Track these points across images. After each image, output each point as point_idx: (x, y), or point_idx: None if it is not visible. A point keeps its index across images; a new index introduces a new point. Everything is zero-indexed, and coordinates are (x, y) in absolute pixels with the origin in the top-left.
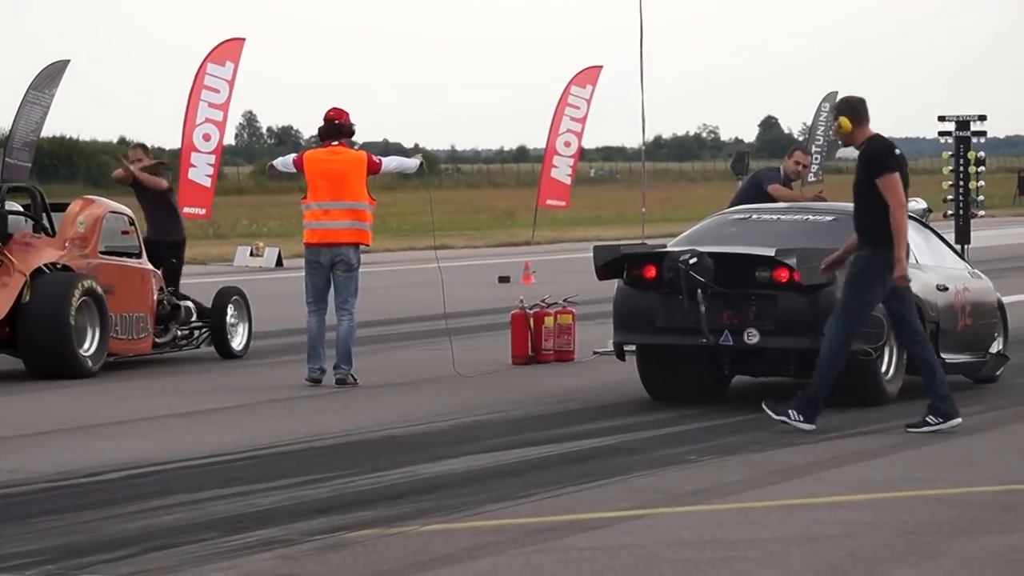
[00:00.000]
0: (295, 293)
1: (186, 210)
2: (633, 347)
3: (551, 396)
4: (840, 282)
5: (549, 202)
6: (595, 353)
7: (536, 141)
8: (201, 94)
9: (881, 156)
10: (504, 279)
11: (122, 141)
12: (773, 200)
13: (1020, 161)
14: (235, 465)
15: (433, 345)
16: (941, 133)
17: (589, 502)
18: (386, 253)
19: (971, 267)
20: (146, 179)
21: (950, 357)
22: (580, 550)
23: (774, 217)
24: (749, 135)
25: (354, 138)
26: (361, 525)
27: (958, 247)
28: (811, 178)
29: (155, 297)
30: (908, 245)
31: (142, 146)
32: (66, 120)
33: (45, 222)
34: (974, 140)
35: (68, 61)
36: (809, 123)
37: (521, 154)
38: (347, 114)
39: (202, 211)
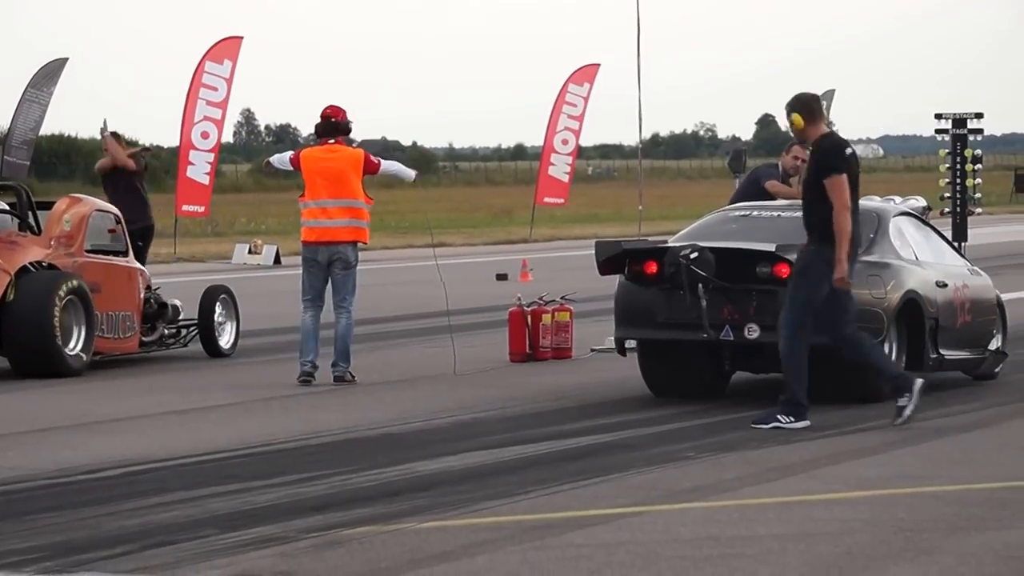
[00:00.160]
0: (293, 291)
1: (184, 208)
2: (634, 343)
3: (549, 393)
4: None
5: (547, 200)
6: (593, 350)
7: (534, 139)
8: (199, 92)
9: (831, 156)
10: (502, 277)
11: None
12: (772, 197)
13: (1017, 159)
14: (233, 462)
15: (431, 343)
16: (938, 131)
17: (587, 499)
18: (384, 251)
19: (970, 264)
20: (116, 151)
21: (949, 354)
22: (577, 547)
23: (774, 214)
24: (746, 133)
25: (353, 136)
26: (358, 522)
27: (956, 244)
28: None
29: (142, 296)
30: (856, 248)
31: (115, 134)
32: (65, 118)
33: (31, 220)
34: (971, 138)
35: (67, 59)
36: None
37: (519, 152)
38: (343, 111)
39: (201, 209)
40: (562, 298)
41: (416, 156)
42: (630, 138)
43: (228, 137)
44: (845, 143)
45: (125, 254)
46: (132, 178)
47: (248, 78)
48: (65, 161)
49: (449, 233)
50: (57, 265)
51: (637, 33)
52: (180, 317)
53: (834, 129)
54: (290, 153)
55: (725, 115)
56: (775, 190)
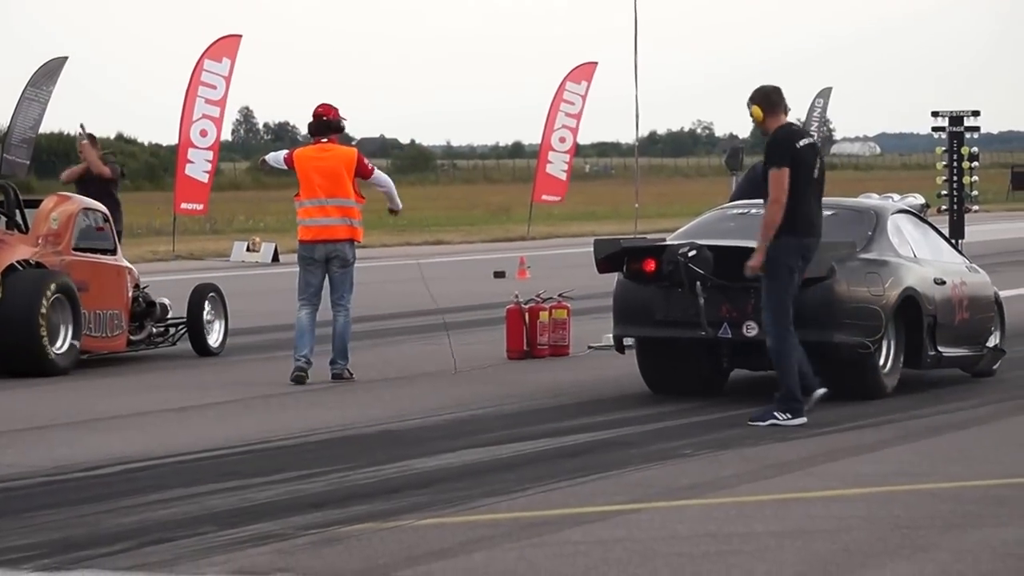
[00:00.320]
0: (291, 288)
1: (183, 206)
2: (632, 340)
3: (546, 391)
4: (839, 275)
5: (544, 197)
6: (590, 348)
7: (532, 137)
8: (198, 90)
9: (774, 148)
10: (499, 274)
11: (120, 137)
12: None
13: (1013, 156)
14: (231, 459)
15: (429, 340)
16: (935, 128)
17: (584, 496)
18: (382, 248)
19: (968, 261)
20: (94, 160)
21: (947, 351)
22: (575, 544)
23: None
24: (744, 131)
25: (352, 134)
26: (356, 519)
27: (953, 242)
28: None
29: (130, 294)
30: (813, 239)
31: (91, 136)
32: (64, 117)
33: (18, 219)
34: (967, 135)
35: (66, 58)
36: (803, 119)
37: (517, 150)
38: (336, 110)
39: (199, 207)
40: (559, 295)
41: (414, 154)
42: (627, 136)
43: (227, 135)
44: (799, 136)
45: (113, 252)
46: (107, 185)
47: (247, 76)
48: (64, 159)
49: (447, 231)
50: (44, 264)
51: (634, 31)
52: (168, 316)
53: (831, 127)
54: (285, 152)
55: (722, 113)
56: None
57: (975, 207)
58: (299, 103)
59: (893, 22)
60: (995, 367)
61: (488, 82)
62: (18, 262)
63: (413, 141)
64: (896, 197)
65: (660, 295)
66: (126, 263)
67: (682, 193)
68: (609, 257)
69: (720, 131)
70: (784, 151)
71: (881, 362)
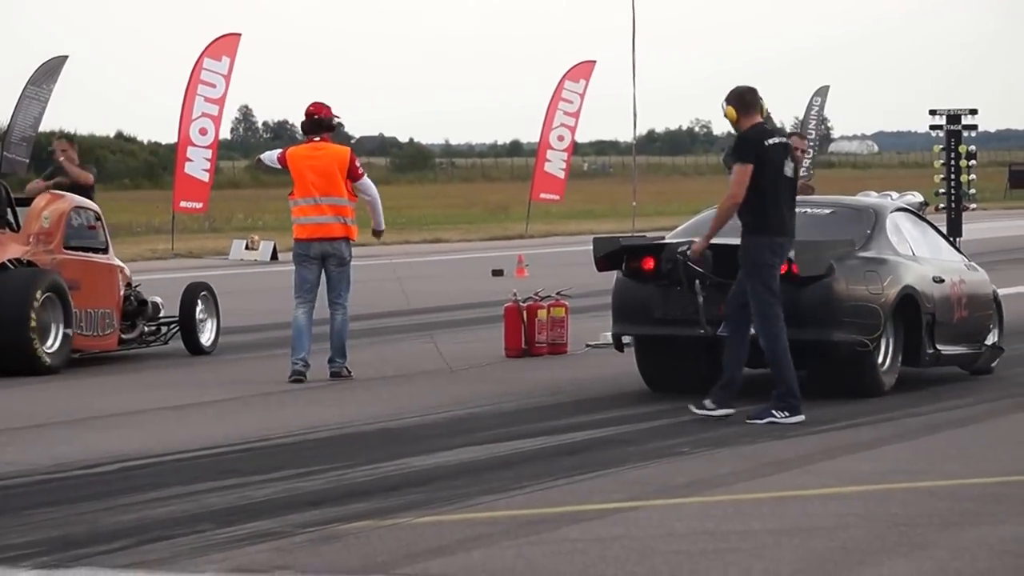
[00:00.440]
0: (290, 286)
1: (182, 204)
2: (631, 338)
3: (544, 389)
4: (838, 273)
5: (543, 196)
6: (588, 346)
7: (530, 135)
8: (197, 89)
9: (741, 144)
10: (498, 272)
11: (119, 135)
12: None
13: (1011, 155)
14: (230, 457)
15: (427, 338)
16: (932, 127)
17: (582, 494)
18: (381, 246)
19: (967, 259)
20: (76, 172)
21: (946, 349)
22: (573, 541)
23: None
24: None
25: (351, 133)
26: (355, 517)
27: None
28: (803, 172)
29: (122, 293)
30: (784, 237)
31: (67, 137)
32: (64, 115)
33: (10, 217)
34: (965, 134)
35: (66, 57)
36: (801, 117)
37: (515, 148)
38: (328, 108)
39: (199, 205)
40: (558, 294)
41: (413, 152)
42: (625, 134)
43: (226, 134)
44: (769, 134)
45: (105, 251)
46: (87, 191)
47: (246, 75)
48: None
49: (445, 229)
50: (35, 262)
51: (632, 30)
52: (161, 314)
53: (829, 126)
54: (279, 151)
55: (720, 112)
56: None
57: (973, 205)
58: (298, 102)
59: (890, 20)
60: (993, 365)
61: (486, 81)
62: (9, 261)
63: (412, 139)
64: (895, 195)
65: (659, 293)
66: (118, 262)
67: (680, 191)
68: (608, 255)
69: (718, 129)
70: (751, 148)
71: (880, 360)
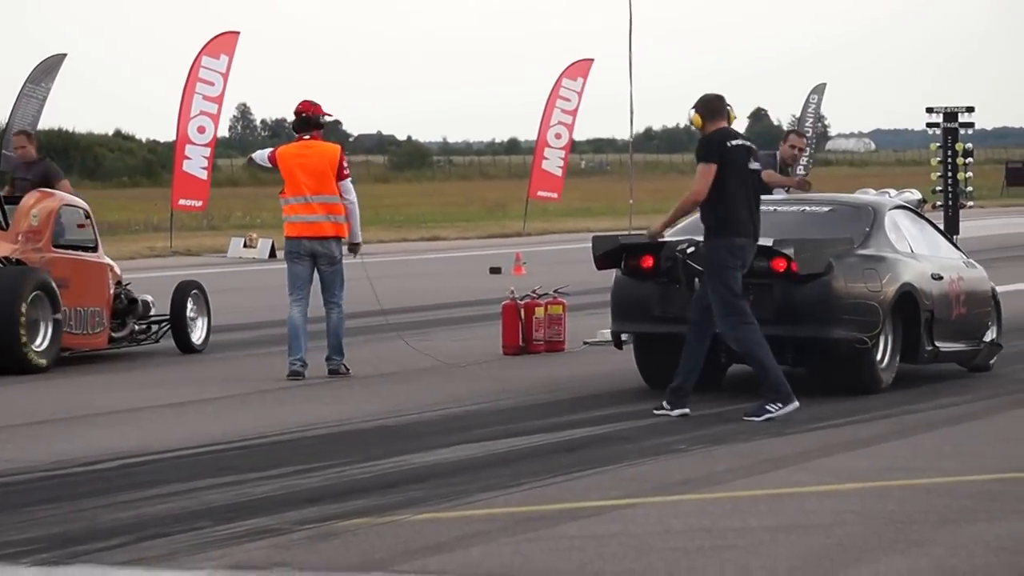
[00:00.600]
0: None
1: (181, 202)
2: (630, 336)
3: (541, 386)
4: (837, 271)
5: (540, 194)
6: (585, 343)
7: (527, 133)
8: (196, 87)
9: (704, 145)
10: (495, 270)
11: (117, 134)
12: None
13: (1008, 152)
14: (228, 455)
15: (424, 336)
16: (929, 125)
17: (579, 491)
18: (379, 244)
19: (965, 257)
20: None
21: (944, 346)
22: (570, 539)
23: (771, 208)
24: (739, 127)
25: (349, 131)
26: (353, 514)
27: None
28: (800, 169)
29: (111, 291)
30: (747, 238)
31: (26, 132)
32: (62, 113)
33: None
34: (962, 131)
35: (64, 55)
36: (798, 114)
37: (512, 146)
38: (318, 106)
39: (198, 203)
40: (555, 291)
41: (411, 150)
42: (623, 132)
43: (224, 132)
44: (732, 136)
45: (94, 249)
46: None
47: (244, 73)
48: (63, 155)
49: (443, 227)
50: (24, 260)
51: (629, 28)
52: (152, 313)
53: (826, 124)
54: (269, 150)
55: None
56: (770, 180)
57: (970, 203)
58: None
59: (887, 18)
60: (992, 362)
61: (484, 79)
62: None
63: (410, 137)
64: (893, 193)
65: (658, 291)
66: (107, 260)
67: (677, 189)
68: (607, 254)
69: None
70: (714, 148)
71: (878, 357)
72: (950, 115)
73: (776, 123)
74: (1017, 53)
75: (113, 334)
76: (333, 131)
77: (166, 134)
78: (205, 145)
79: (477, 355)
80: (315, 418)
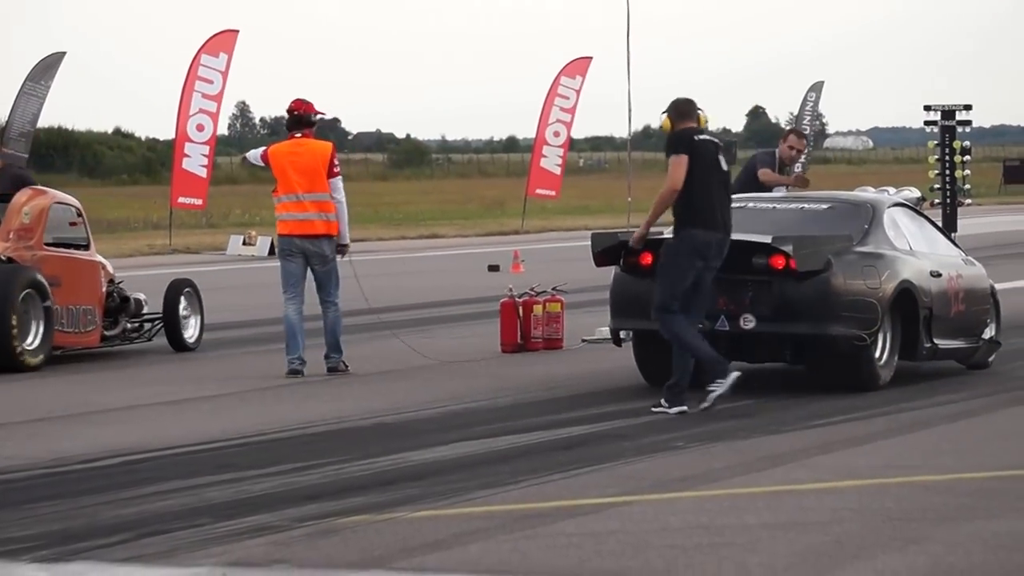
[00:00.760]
0: None
1: (180, 200)
2: (628, 333)
3: (540, 384)
4: (836, 268)
5: (538, 191)
6: (584, 341)
7: (526, 131)
8: (195, 85)
9: (673, 139)
10: (494, 268)
11: (117, 131)
12: (766, 184)
13: (1006, 150)
14: (227, 452)
15: (423, 333)
16: (927, 122)
17: (577, 488)
18: (379, 242)
19: (964, 254)
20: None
21: (943, 343)
22: (568, 536)
23: (770, 205)
24: (737, 125)
25: (348, 128)
26: (352, 511)
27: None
28: (797, 167)
29: (104, 290)
30: (718, 232)
31: None
32: (62, 111)
33: None
34: (960, 129)
35: (64, 53)
36: (796, 112)
37: (511, 144)
38: (309, 104)
39: (198, 201)
40: (553, 289)
41: (410, 148)
42: (621, 130)
43: (223, 130)
44: (699, 132)
45: (87, 247)
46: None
47: (243, 71)
48: (63, 153)
49: (441, 225)
50: (15, 259)
51: (627, 25)
52: (144, 311)
53: (824, 121)
54: (262, 149)
55: (715, 107)
56: (767, 179)
57: (968, 201)
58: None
59: (885, 16)
60: (990, 359)
61: (483, 77)
62: None
63: (408, 135)
64: (892, 191)
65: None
66: (99, 258)
67: None
68: (606, 251)
69: (713, 126)
70: (682, 142)
71: (877, 354)
72: (948, 113)
73: (774, 120)
74: (1015, 51)
75: (105, 332)
76: (332, 129)
77: (165, 132)
78: (204, 143)
79: (475, 353)
80: (314, 415)
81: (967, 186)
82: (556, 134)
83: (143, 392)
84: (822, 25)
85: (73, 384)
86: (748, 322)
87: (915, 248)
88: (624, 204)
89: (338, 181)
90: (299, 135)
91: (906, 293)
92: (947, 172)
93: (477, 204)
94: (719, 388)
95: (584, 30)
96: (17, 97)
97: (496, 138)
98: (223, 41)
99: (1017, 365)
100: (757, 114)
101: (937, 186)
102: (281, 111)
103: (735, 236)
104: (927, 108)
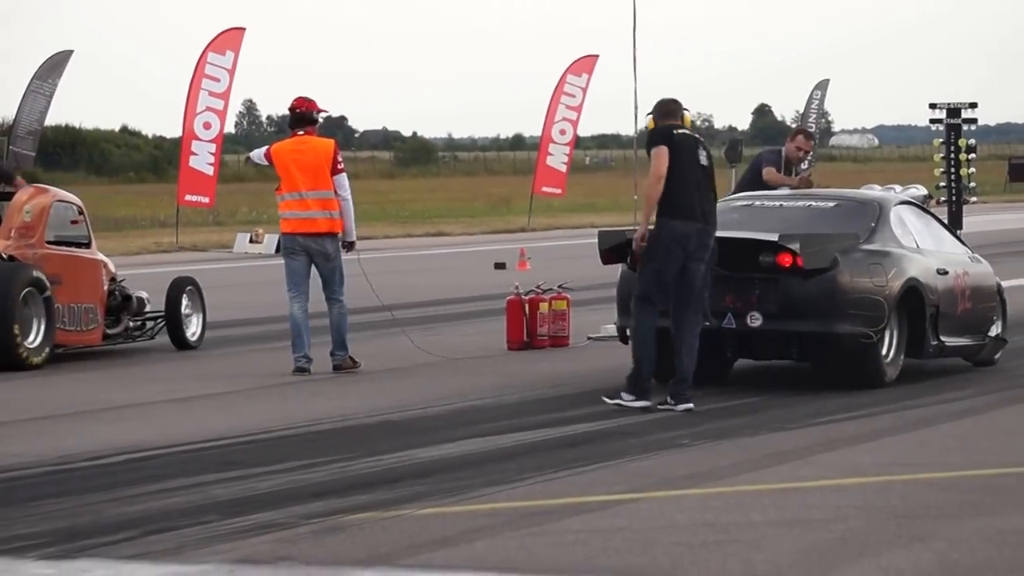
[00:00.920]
0: None
1: (187, 198)
2: None
3: (546, 381)
4: (842, 266)
5: (545, 189)
6: (590, 338)
7: (532, 129)
8: (202, 83)
9: (653, 135)
10: (500, 265)
11: (124, 129)
12: (770, 184)
13: (1011, 148)
14: (234, 449)
15: (429, 331)
16: (932, 120)
17: (583, 486)
18: (385, 240)
19: (971, 251)
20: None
21: (950, 340)
22: (575, 533)
23: (776, 203)
24: (743, 123)
25: (355, 126)
26: (358, 509)
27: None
28: (804, 166)
29: (105, 288)
30: (699, 222)
31: None
32: (69, 109)
33: None
34: (965, 127)
35: (71, 51)
36: (801, 110)
37: (517, 142)
38: (312, 102)
39: (206, 199)
40: (559, 286)
41: (416, 146)
42: (627, 128)
43: (230, 128)
44: (678, 127)
45: (88, 245)
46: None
47: (250, 69)
48: (70, 151)
49: (448, 222)
50: (17, 257)
51: (633, 23)
52: (146, 309)
53: (829, 120)
54: (265, 148)
55: (721, 105)
56: (771, 179)
57: (973, 199)
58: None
59: (891, 15)
60: (997, 356)
61: (489, 75)
62: None
63: (415, 133)
64: (898, 188)
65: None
66: (101, 256)
67: None
68: (613, 248)
69: (719, 123)
70: (661, 135)
71: (883, 352)
72: (953, 111)
73: (780, 119)
74: (1020, 49)
75: (107, 331)
76: (339, 127)
77: (172, 130)
78: (211, 141)
79: (481, 350)
80: (320, 413)
81: (972, 184)
82: (562, 132)
83: (149, 390)
84: (828, 24)
85: (78, 382)
86: (755, 320)
87: (922, 246)
88: (630, 202)
89: (343, 178)
90: (302, 133)
91: (913, 291)
92: (952, 170)
93: (483, 202)
94: (624, 402)
95: (591, 28)
96: (25, 95)
97: (502, 136)
98: (230, 39)
99: (1023, 362)
100: (763, 112)
101: (943, 184)
102: (287, 109)
103: (742, 234)
104: (932, 106)
